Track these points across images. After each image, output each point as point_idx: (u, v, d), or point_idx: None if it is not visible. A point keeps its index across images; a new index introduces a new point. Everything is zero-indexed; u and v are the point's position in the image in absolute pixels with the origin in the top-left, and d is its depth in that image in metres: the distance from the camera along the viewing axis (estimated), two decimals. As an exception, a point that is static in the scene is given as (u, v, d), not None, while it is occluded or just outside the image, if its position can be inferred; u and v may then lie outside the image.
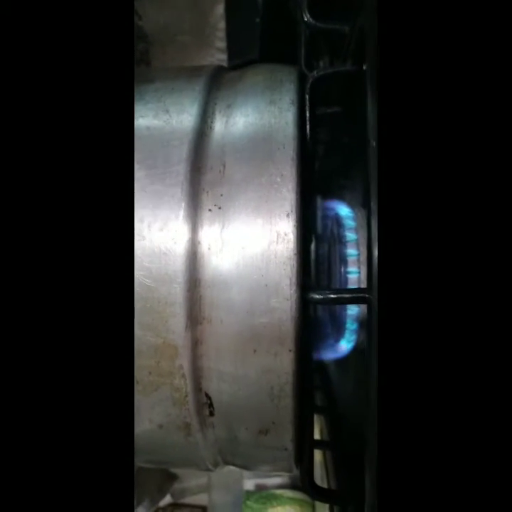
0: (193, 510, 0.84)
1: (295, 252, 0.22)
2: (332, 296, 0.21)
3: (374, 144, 0.18)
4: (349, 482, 0.33)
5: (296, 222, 0.22)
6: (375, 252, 0.19)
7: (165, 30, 0.35)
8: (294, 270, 0.22)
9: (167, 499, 0.80)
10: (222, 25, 0.35)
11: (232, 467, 0.30)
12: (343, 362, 0.38)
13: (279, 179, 0.23)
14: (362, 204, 0.36)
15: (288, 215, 0.22)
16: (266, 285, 0.22)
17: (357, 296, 0.21)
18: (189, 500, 0.84)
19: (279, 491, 0.82)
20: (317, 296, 0.22)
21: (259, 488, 0.84)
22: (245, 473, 0.83)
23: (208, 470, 0.30)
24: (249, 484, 0.84)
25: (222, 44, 0.36)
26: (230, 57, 0.44)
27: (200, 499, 0.84)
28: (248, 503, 0.80)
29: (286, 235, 0.22)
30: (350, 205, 0.35)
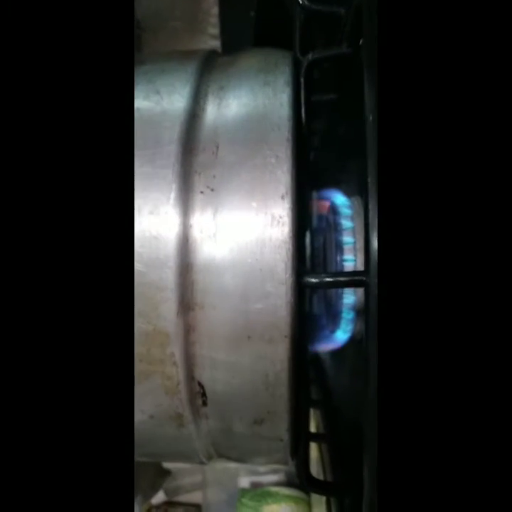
0: (187, 508, 0.83)
1: (290, 235, 0.21)
2: (328, 279, 0.21)
3: (371, 118, 0.18)
4: (346, 475, 0.33)
5: (292, 204, 0.22)
6: (374, 236, 0.18)
7: (157, 16, 0.34)
8: (290, 254, 0.21)
9: (161, 497, 0.80)
10: (215, 11, 0.35)
11: (227, 464, 0.30)
12: (339, 353, 0.37)
13: (273, 160, 0.22)
14: (358, 192, 0.36)
15: (283, 198, 0.22)
16: (260, 269, 0.21)
17: (354, 279, 0.20)
18: (183, 498, 0.83)
19: (274, 489, 0.81)
20: (313, 280, 0.21)
21: (255, 485, 0.83)
22: (240, 470, 0.82)
23: (201, 463, 0.29)
24: (244, 482, 0.83)
25: (215, 30, 0.35)
26: (224, 47, 0.44)
27: (195, 497, 0.83)
28: (243, 500, 0.80)
29: (281, 217, 0.22)
30: (346, 193, 0.35)
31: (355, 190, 0.37)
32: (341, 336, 0.32)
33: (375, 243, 0.18)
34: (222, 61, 0.28)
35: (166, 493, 0.80)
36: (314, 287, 0.21)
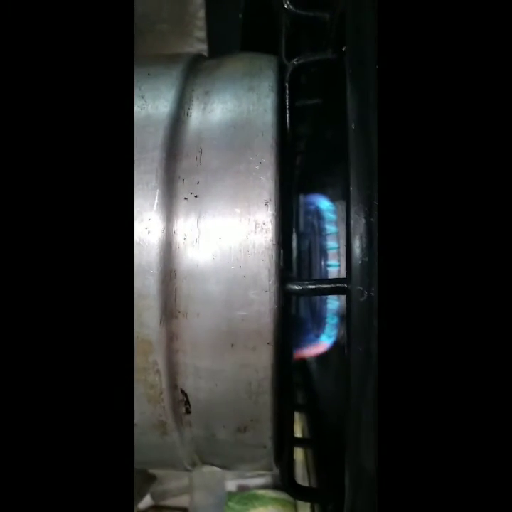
0: (174, 512, 0.83)
1: (274, 242, 0.21)
2: (311, 286, 0.21)
3: (353, 126, 0.18)
4: (330, 480, 0.33)
5: (275, 211, 0.22)
6: (355, 243, 0.18)
7: (144, 19, 0.34)
8: (273, 261, 0.21)
9: (148, 501, 0.79)
10: (201, 14, 0.35)
11: (213, 468, 0.29)
12: (323, 358, 0.37)
13: (257, 167, 0.22)
14: (343, 197, 0.36)
15: (266, 204, 0.22)
16: (244, 276, 0.21)
17: (336, 287, 0.20)
18: (170, 502, 0.83)
19: (261, 492, 0.81)
20: (296, 287, 0.21)
21: (241, 488, 0.83)
22: (227, 474, 0.82)
23: (186, 470, 0.29)
24: (231, 485, 0.83)
25: (201, 33, 0.35)
26: (212, 50, 0.43)
27: (182, 501, 0.82)
28: (230, 504, 0.79)
29: (264, 224, 0.22)
30: (332, 198, 0.35)
31: (341, 194, 0.37)
32: (326, 340, 0.32)
33: (357, 250, 0.18)
34: (208, 65, 0.28)
35: (153, 497, 0.79)
36: (297, 294, 0.21)
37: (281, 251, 0.22)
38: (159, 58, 0.29)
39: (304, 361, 0.43)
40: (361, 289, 0.18)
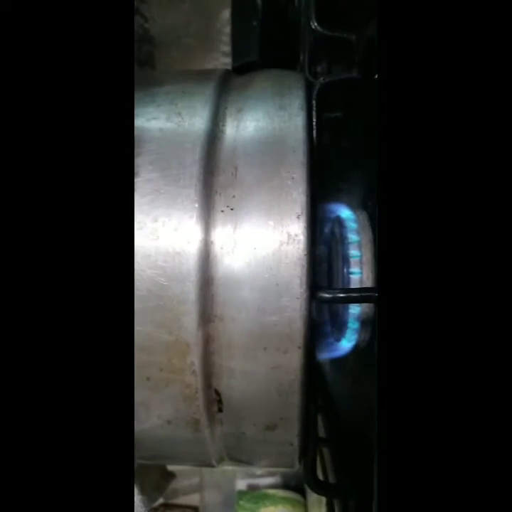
0: (184, 510, 0.84)
1: (305, 252, 0.23)
2: (341, 295, 0.22)
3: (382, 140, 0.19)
4: (348, 478, 0.34)
5: (307, 223, 0.23)
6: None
7: (171, 33, 0.36)
8: (304, 270, 0.23)
9: (159, 499, 0.80)
10: (227, 29, 0.36)
11: (225, 467, 0.31)
12: (339, 361, 0.38)
13: (290, 182, 0.23)
14: (362, 206, 0.37)
15: (298, 217, 0.23)
16: (277, 284, 0.23)
17: (365, 295, 0.21)
18: (181, 500, 0.84)
19: (271, 491, 0.82)
20: (326, 295, 0.22)
21: (252, 488, 0.84)
22: (238, 473, 0.83)
23: (211, 466, 0.30)
24: (241, 484, 0.84)
25: (227, 48, 0.37)
26: (233, 58, 0.45)
27: (192, 499, 0.84)
28: (241, 503, 0.81)
29: (296, 236, 0.23)
30: (350, 207, 0.36)
31: (358, 203, 0.39)
32: (346, 344, 0.34)
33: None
34: (238, 83, 0.29)
35: (164, 495, 0.81)
36: (327, 302, 0.22)
37: (312, 261, 0.23)
38: (190, 75, 0.31)
39: (319, 363, 0.45)
40: (390, 298, 0.19)
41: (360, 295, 0.22)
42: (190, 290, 0.23)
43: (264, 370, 0.24)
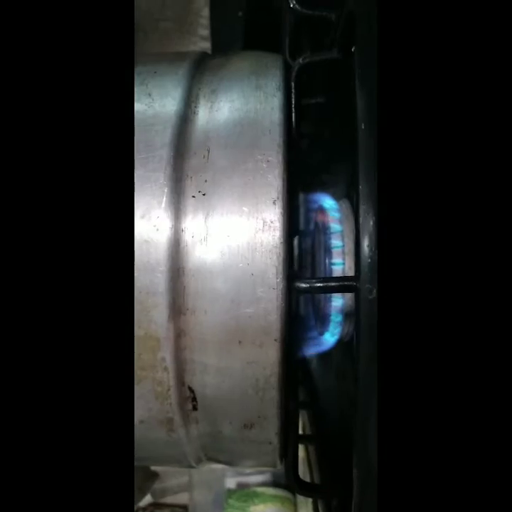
0: (174, 509, 0.83)
1: (281, 240, 0.22)
2: (318, 284, 0.21)
3: (363, 126, 0.18)
4: (333, 476, 0.33)
5: (283, 209, 0.22)
6: (365, 241, 0.19)
7: (148, 16, 0.34)
8: (281, 259, 0.21)
9: (147, 499, 0.79)
10: (205, 12, 0.35)
11: (213, 465, 0.30)
12: (325, 355, 0.37)
13: (265, 165, 0.22)
14: (345, 195, 0.36)
15: (274, 202, 0.22)
16: (251, 274, 0.21)
17: (344, 285, 0.20)
18: (170, 499, 0.83)
19: (260, 489, 0.82)
20: (303, 285, 0.21)
21: (241, 486, 0.84)
22: (227, 471, 0.82)
23: (190, 466, 0.29)
24: (230, 482, 0.84)
25: (205, 32, 0.35)
26: (214, 48, 0.43)
27: (181, 498, 0.83)
28: (230, 501, 0.80)
29: (272, 222, 0.22)
30: (334, 197, 0.35)
31: (342, 193, 0.37)
32: (329, 338, 0.33)
33: (366, 249, 0.19)
34: (214, 63, 0.28)
35: (153, 494, 0.80)
36: (305, 292, 0.21)
37: (289, 249, 0.22)
38: (165, 56, 0.29)
39: (305, 358, 0.44)
40: (370, 286, 0.18)
41: (340, 284, 0.20)
42: (160, 281, 0.21)
43: (240, 365, 0.22)
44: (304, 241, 0.37)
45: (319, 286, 0.21)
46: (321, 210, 0.33)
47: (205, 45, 0.37)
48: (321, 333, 0.33)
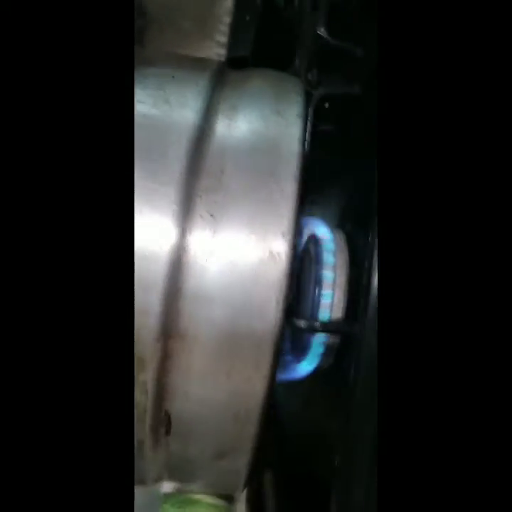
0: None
1: (286, 274, 0.21)
2: (318, 326, 0.21)
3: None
4: (289, 502, 0.33)
5: (291, 242, 0.21)
6: (374, 283, 0.18)
7: (166, 11, 0.33)
8: (283, 293, 0.21)
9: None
10: (227, 19, 0.34)
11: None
12: (292, 382, 0.37)
13: (278, 196, 0.22)
14: (339, 225, 0.36)
15: (283, 235, 0.21)
16: (251, 305, 0.21)
17: (345, 330, 0.20)
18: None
19: (197, 496, 0.80)
20: (303, 325, 0.21)
21: (178, 490, 0.82)
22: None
23: (142, 484, 0.28)
24: (167, 486, 0.82)
25: (223, 39, 0.34)
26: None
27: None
28: (165, 506, 0.78)
29: (278, 254, 0.21)
30: (325, 220, 0.35)
31: (333, 215, 0.37)
32: (306, 367, 0.32)
33: (375, 292, 0.18)
34: (233, 77, 0.27)
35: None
36: (303, 331, 0.21)
37: (291, 284, 0.22)
38: (182, 61, 0.28)
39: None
40: (373, 339, 0.18)
41: (340, 329, 0.20)
42: (154, 301, 0.20)
43: (223, 396, 0.22)
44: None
45: (319, 328, 0.21)
46: (315, 238, 0.33)
47: (221, 52, 0.36)
48: (298, 361, 0.33)
